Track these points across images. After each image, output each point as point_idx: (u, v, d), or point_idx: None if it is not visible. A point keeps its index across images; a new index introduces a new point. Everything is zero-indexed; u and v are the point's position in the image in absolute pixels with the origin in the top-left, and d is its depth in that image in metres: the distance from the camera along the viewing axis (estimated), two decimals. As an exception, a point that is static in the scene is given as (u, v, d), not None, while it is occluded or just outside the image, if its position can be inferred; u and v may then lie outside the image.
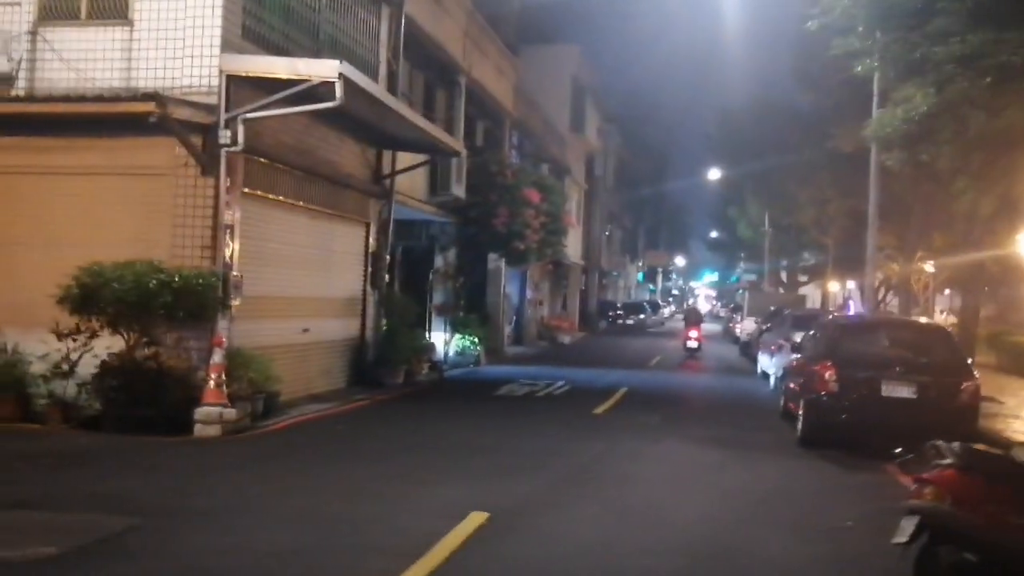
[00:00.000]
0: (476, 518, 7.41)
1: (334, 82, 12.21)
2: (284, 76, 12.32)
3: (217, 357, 11.68)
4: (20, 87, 12.90)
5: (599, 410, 15.70)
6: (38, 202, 12.77)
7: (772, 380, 21.21)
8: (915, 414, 11.71)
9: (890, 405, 11.78)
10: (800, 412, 12.84)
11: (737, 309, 52.01)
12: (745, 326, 34.39)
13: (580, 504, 8.51)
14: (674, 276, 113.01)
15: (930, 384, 11.83)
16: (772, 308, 29.64)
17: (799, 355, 14.90)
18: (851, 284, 48.35)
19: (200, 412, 11.44)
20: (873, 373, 11.98)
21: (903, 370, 12.01)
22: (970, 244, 23.38)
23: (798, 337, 18.79)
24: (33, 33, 12.96)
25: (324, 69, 12.26)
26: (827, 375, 12.07)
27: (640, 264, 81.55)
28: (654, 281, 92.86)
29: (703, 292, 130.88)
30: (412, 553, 6.39)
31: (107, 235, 12.40)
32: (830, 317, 17.08)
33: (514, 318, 32.61)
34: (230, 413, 11.60)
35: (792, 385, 14.61)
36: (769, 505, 9.05)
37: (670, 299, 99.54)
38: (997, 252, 22.13)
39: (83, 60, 12.77)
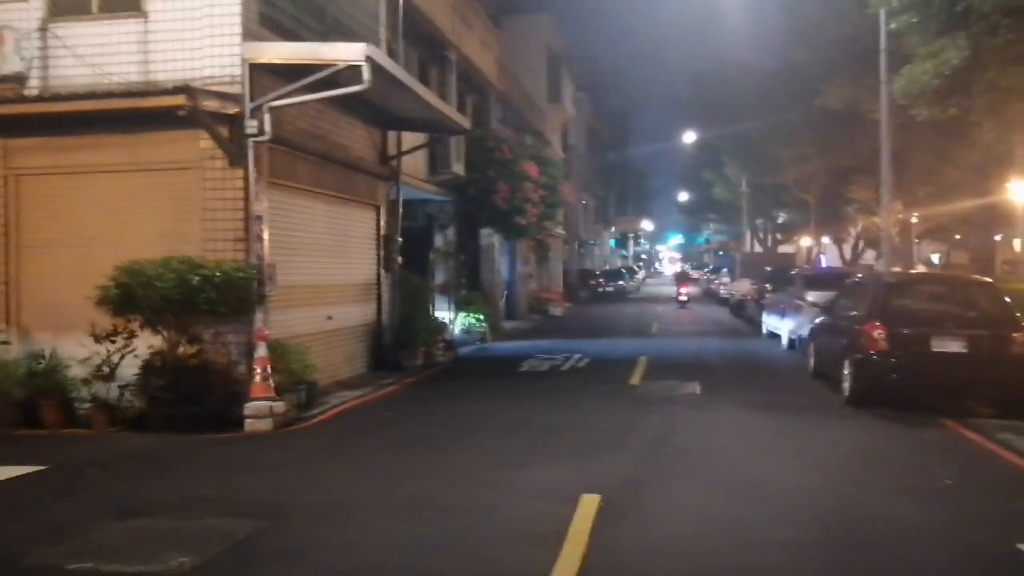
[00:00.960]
0: (589, 500, 7.33)
1: (358, 66, 12.00)
2: (310, 62, 12.07)
3: (262, 350, 11.49)
4: (33, 85, 12.50)
5: (633, 381, 15.66)
6: (63, 203, 12.49)
7: (785, 340, 21.32)
8: (967, 368, 11.80)
9: (941, 360, 11.85)
10: (846, 372, 12.87)
11: (717, 270, 52.35)
12: (738, 287, 34.56)
13: (681, 480, 8.46)
14: (642, 241, 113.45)
15: (981, 337, 11.91)
16: (768, 269, 29.75)
17: (830, 315, 14.93)
18: (825, 240, 48.77)
19: (250, 407, 11.25)
20: (922, 329, 12.04)
21: (952, 325, 12.08)
22: (980, 193, 23.56)
23: (811, 297, 18.94)
24: (43, 30, 12.54)
25: (350, 53, 12.00)
26: (875, 334, 12.10)
27: (612, 231, 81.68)
28: (626, 247, 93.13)
29: (668, 255, 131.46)
30: (549, 540, 6.31)
31: (135, 232, 12.14)
32: (862, 275, 17.14)
33: (505, 292, 32.51)
34: (279, 406, 11.45)
35: (826, 345, 14.65)
36: (860, 467, 9.08)
37: (640, 264, 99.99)
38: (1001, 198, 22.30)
39: (97, 55, 12.38)
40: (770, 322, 23.99)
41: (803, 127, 32.06)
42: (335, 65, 12.03)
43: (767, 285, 26.34)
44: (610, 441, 10.26)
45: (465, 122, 18.56)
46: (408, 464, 9.20)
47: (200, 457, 9.68)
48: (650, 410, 12.45)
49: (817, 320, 16.02)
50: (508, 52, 32.77)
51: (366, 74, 11.95)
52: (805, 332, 17.75)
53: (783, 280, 24.29)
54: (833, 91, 24.98)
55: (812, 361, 15.78)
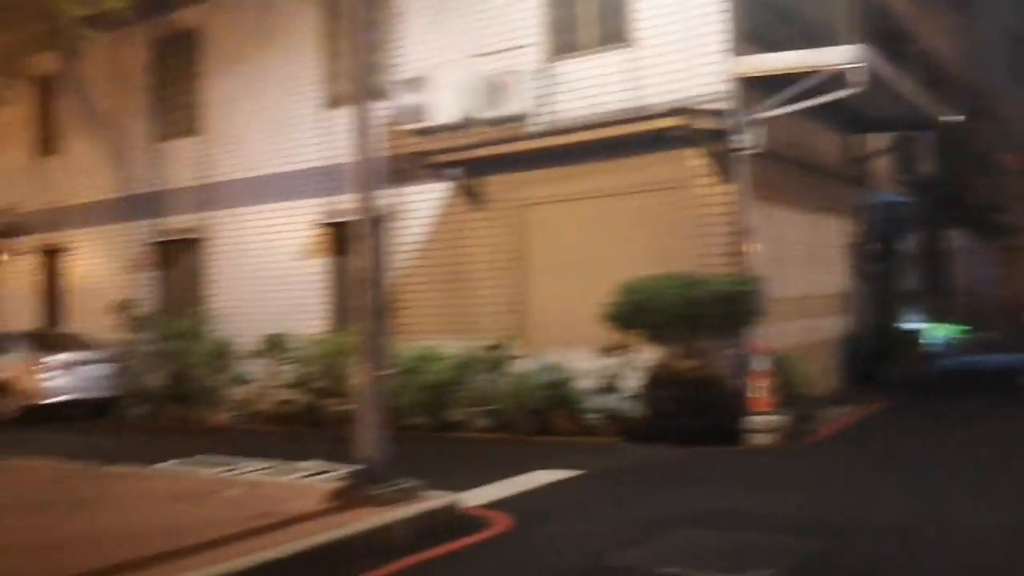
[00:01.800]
0: None
1: (843, 70, 11.73)
2: (799, 70, 11.98)
3: (761, 364, 11.52)
4: (534, 122, 13.52)
5: None
6: (563, 228, 13.44)
7: None
8: None
9: None
10: None
11: None
12: None
13: None
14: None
15: None
16: None
17: None
18: None
19: (754, 421, 11.32)
20: None
21: None
22: None
23: None
24: (542, 70, 13.56)
25: (842, 56, 11.80)
26: None
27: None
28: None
29: None
30: None
31: (629, 251, 12.73)
32: None
33: (973, 299, 29.90)
34: (781, 420, 11.41)
35: None
36: None
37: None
38: None
39: (589, 87, 13.20)
40: None
41: None
42: (824, 71, 11.84)
43: None
44: None
45: (947, 115, 17.26)
46: (958, 488, 8.50)
47: (720, 469, 9.86)
48: None
49: None
50: (965, 36, 30.36)
51: (858, 76, 11.66)
52: None
53: None
54: None
55: None
